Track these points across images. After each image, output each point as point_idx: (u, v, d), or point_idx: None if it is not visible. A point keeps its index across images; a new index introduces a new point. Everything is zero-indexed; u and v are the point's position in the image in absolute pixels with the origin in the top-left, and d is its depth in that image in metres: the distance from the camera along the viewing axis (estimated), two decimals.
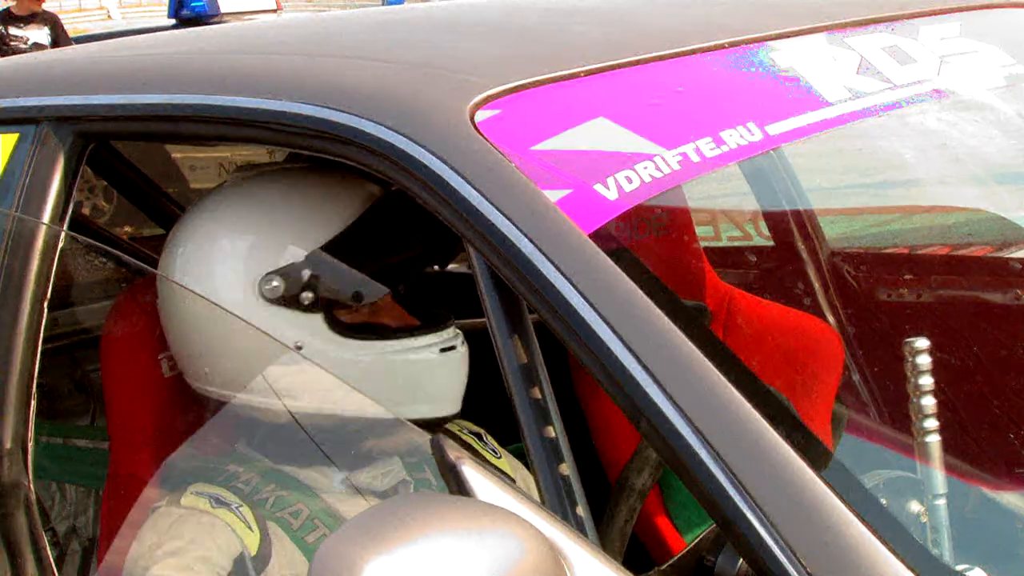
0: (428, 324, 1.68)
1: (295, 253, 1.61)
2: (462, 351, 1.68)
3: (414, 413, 1.64)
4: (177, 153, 3.42)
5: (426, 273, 1.81)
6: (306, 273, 1.60)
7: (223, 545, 1.56)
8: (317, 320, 1.61)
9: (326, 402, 1.63)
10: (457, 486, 1.08)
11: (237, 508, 1.60)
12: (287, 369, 1.64)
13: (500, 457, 1.88)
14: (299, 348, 1.61)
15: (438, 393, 1.67)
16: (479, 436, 1.89)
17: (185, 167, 3.62)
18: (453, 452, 1.09)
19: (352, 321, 1.64)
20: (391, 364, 1.63)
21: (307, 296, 1.60)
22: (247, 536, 1.57)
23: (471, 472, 1.08)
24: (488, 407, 1.66)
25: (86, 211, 3.64)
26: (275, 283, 1.60)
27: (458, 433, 1.84)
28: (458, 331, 1.70)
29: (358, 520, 1.05)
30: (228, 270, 1.63)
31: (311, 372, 1.63)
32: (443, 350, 1.65)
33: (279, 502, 1.63)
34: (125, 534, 1.65)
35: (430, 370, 1.66)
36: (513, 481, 1.85)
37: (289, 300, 1.60)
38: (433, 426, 1.64)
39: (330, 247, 1.61)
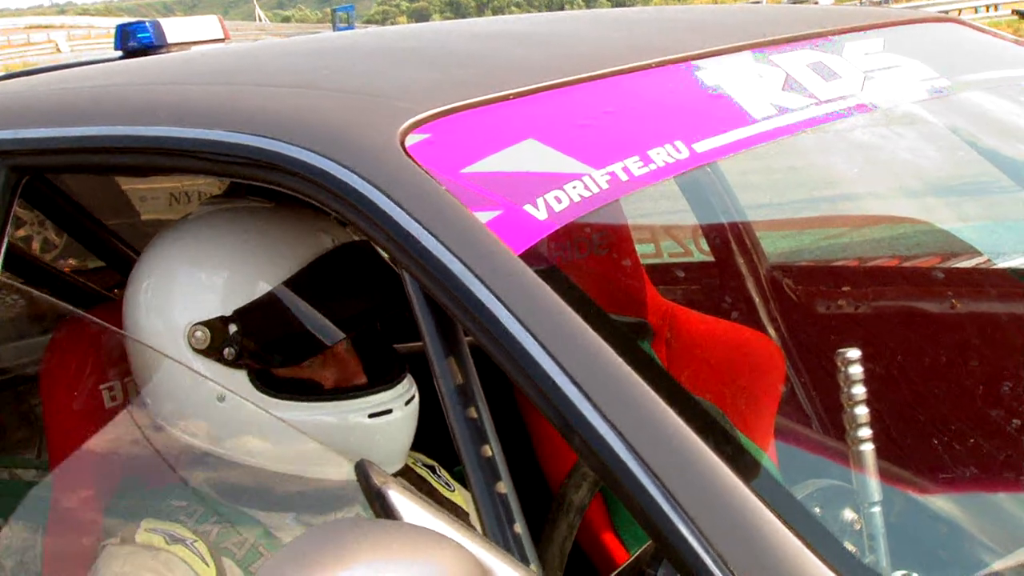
0: (371, 383, 1.63)
1: (225, 305, 1.59)
2: (400, 414, 1.62)
3: (340, 475, 1.61)
4: (127, 184, 3.40)
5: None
6: (232, 328, 1.58)
7: None
8: (241, 375, 1.59)
9: (269, 450, 1.60)
10: (384, 512, 1.07)
11: (192, 544, 1.58)
12: (215, 417, 1.61)
13: (453, 490, 1.87)
14: (222, 399, 1.59)
15: (369, 456, 1.62)
16: (432, 469, 1.88)
17: (135, 198, 3.60)
18: (379, 477, 1.08)
19: (284, 375, 1.61)
20: (316, 425, 1.59)
21: (230, 352, 1.58)
22: (203, 572, 1.56)
23: (398, 497, 1.08)
24: (435, 430, 1.66)
25: (36, 245, 3.62)
26: (199, 334, 1.58)
27: (412, 466, 1.82)
28: (409, 386, 1.64)
29: (294, 545, 1.05)
30: (167, 311, 1.62)
31: (239, 422, 1.60)
32: (373, 415, 1.60)
33: (223, 533, 1.62)
34: (71, 570, 1.64)
35: (361, 434, 1.61)
36: (466, 515, 1.84)
37: (213, 353, 1.58)
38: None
39: (262, 304, 1.58)
